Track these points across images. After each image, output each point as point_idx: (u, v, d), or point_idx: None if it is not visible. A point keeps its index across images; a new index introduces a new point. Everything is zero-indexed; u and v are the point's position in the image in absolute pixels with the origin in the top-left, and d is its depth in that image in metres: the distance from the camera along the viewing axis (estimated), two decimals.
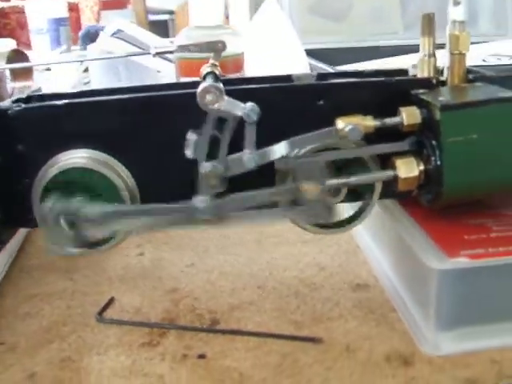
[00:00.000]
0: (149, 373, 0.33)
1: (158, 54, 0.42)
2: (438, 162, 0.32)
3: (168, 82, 0.43)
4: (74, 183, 0.35)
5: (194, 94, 0.34)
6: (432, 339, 0.33)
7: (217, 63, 0.41)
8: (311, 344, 0.34)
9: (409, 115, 0.33)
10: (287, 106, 0.36)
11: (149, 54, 0.42)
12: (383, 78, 0.37)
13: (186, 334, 0.36)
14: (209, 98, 0.33)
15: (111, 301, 0.40)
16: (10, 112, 0.35)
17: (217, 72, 0.39)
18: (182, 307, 0.39)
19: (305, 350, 0.34)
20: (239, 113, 0.33)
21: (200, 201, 0.33)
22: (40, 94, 0.40)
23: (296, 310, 0.38)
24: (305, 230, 0.37)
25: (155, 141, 0.36)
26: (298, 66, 0.67)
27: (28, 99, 0.39)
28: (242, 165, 0.33)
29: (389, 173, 0.34)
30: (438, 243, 0.33)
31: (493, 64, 0.69)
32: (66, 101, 0.35)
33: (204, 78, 0.39)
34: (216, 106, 0.33)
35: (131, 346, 0.35)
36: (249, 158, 0.33)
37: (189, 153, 0.33)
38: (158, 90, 0.39)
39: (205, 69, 0.40)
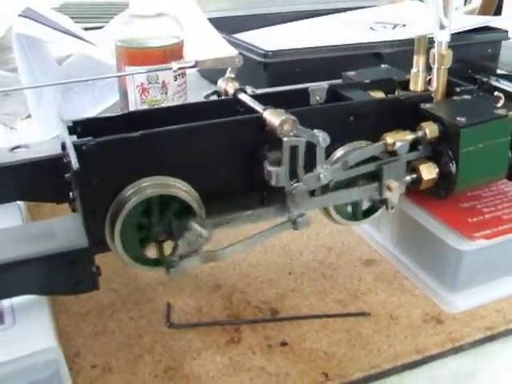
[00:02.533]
0: (251, 367, 0.39)
1: (179, 68, 0.44)
2: (454, 168, 0.42)
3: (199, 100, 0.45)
4: (150, 209, 0.38)
5: (255, 118, 0.39)
6: (451, 300, 0.43)
7: (233, 76, 0.45)
8: (363, 318, 0.43)
9: (431, 131, 0.42)
10: (327, 122, 0.41)
11: (170, 69, 0.44)
12: (399, 96, 0.45)
13: (256, 326, 0.42)
14: (286, 127, 0.38)
15: (169, 306, 0.43)
16: (84, 148, 0.36)
17: (248, 90, 0.44)
18: (236, 302, 0.44)
19: (361, 324, 0.42)
20: (314, 140, 0.38)
21: (296, 213, 0.39)
22: (80, 120, 0.41)
23: (332, 290, 0.45)
24: (333, 222, 0.44)
25: (214, 159, 0.40)
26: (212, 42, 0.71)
27: (74, 126, 0.40)
28: (319, 181, 0.39)
29: (413, 175, 0.43)
30: (453, 227, 0.43)
31: (387, 40, 0.79)
32: (141, 132, 0.37)
33: (234, 94, 0.44)
34: (291, 134, 0.38)
35: (218, 346, 0.40)
36: (325, 175, 0.39)
37: (273, 182, 0.38)
38: (202, 110, 0.42)
39: (227, 84, 0.44)
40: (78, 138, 0.38)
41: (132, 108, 0.64)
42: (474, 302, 0.44)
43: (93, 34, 0.89)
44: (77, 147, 0.36)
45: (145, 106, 0.63)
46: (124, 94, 0.64)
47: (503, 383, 0.39)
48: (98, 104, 0.72)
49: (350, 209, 0.45)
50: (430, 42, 0.47)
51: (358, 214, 0.45)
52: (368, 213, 0.45)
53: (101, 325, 0.42)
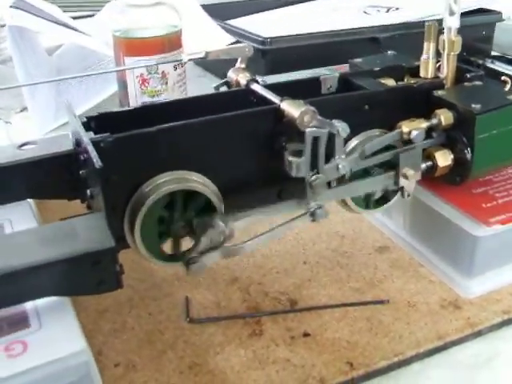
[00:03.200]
0: (276, 359, 0.39)
1: (190, 60, 0.44)
2: (469, 155, 0.42)
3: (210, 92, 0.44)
4: (170, 204, 0.38)
5: (272, 110, 0.39)
6: (467, 286, 0.43)
7: (244, 66, 0.45)
8: (381, 305, 0.43)
9: (446, 118, 0.42)
10: (342, 112, 0.41)
11: (181, 60, 0.44)
12: (412, 83, 0.45)
13: (277, 318, 0.42)
14: (306, 118, 0.37)
15: (187, 301, 0.43)
16: (102, 144, 0.36)
17: (259, 80, 0.43)
18: (254, 294, 0.44)
19: (380, 311, 0.42)
20: (334, 130, 0.38)
21: (314, 205, 0.39)
22: (94, 115, 0.40)
23: (349, 278, 0.45)
24: (348, 210, 0.44)
25: (231, 151, 0.40)
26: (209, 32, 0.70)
27: (88, 122, 0.39)
28: (337, 171, 0.39)
29: (429, 163, 0.43)
30: (468, 213, 0.43)
31: (383, 24, 0.78)
32: (157, 127, 0.37)
33: (247, 85, 0.43)
34: (311, 124, 0.37)
35: (241, 339, 0.40)
36: (343, 165, 0.39)
37: (294, 173, 0.38)
38: (215, 102, 0.41)
39: (238, 74, 0.44)
40: (94, 134, 0.38)
41: (132, 99, 0.63)
42: (489, 287, 0.44)
43: (84, 22, 0.88)
44: (95, 144, 0.36)
45: (145, 97, 0.63)
46: (123, 85, 0.63)
47: None
48: (95, 95, 0.71)
49: (364, 197, 0.45)
50: (423, 25, 0.47)
51: (372, 201, 0.45)
52: (381, 200, 0.45)
53: (120, 322, 0.42)
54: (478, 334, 0.41)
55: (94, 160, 0.33)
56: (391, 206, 0.48)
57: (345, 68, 0.56)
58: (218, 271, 0.46)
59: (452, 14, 0.44)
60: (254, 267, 0.47)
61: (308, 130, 0.37)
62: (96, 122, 0.40)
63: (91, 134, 0.37)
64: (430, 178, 0.44)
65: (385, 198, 0.45)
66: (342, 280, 0.45)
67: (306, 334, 0.40)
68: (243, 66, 0.44)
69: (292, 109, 0.38)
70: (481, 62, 0.78)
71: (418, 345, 0.39)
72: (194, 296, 0.44)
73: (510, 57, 0.83)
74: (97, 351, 0.39)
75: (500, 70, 0.77)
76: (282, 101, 0.39)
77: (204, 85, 0.67)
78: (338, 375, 0.37)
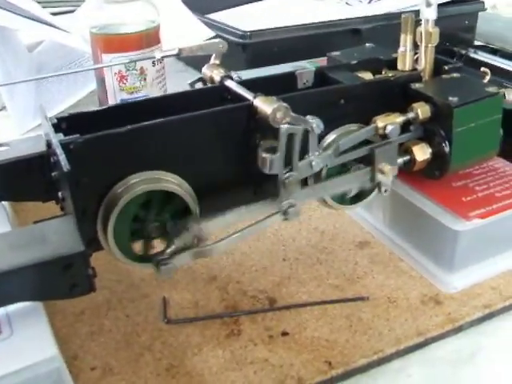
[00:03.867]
0: (254, 360, 0.38)
1: (163, 57, 0.43)
2: (447, 148, 0.41)
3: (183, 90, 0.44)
4: (143, 204, 0.37)
5: (245, 106, 0.38)
6: (448, 280, 0.43)
7: (218, 62, 0.44)
8: (361, 302, 0.42)
9: (423, 112, 0.41)
10: (318, 107, 0.41)
11: (153, 58, 0.43)
12: (389, 76, 0.44)
13: (256, 317, 0.41)
14: (279, 115, 0.37)
15: (165, 301, 0.43)
16: (71, 146, 0.35)
17: (234, 76, 0.42)
18: (233, 293, 0.43)
19: (360, 309, 0.42)
20: (307, 127, 0.37)
21: (287, 203, 0.38)
22: (65, 116, 0.39)
23: (329, 275, 0.45)
24: (326, 207, 0.44)
25: (205, 150, 0.39)
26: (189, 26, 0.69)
27: (58, 123, 0.39)
28: (311, 168, 0.38)
29: (406, 157, 0.42)
30: (447, 208, 0.43)
31: (365, 16, 0.78)
32: (129, 126, 0.36)
33: (221, 81, 0.42)
34: (284, 121, 0.37)
35: (218, 340, 0.40)
36: (317, 162, 0.38)
37: (267, 170, 0.37)
38: (189, 99, 0.41)
39: (212, 71, 0.43)
40: (64, 135, 0.37)
41: (110, 96, 0.62)
42: (470, 281, 0.44)
43: (63, 18, 0.87)
44: (64, 146, 0.35)
45: (123, 94, 0.62)
46: (101, 82, 0.62)
47: (503, 361, 0.39)
48: (75, 93, 0.70)
49: (342, 193, 0.44)
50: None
51: (349, 198, 0.44)
52: (360, 196, 0.45)
53: (97, 324, 0.41)
54: (459, 329, 0.41)
55: (62, 163, 0.33)
56: (371, 201, 0.48)
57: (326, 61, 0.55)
58: (196, 270, 0.46)
59: (429, 5, 0.44)
60: (232, 265, 0.46)
61: (283, 126, 0.37)
62: (67, 123, 0.39)
63: (61, 136, 0.36)
64: (409, 172, 0.44)
65: (363, 193, 0.44)
66: (322, 277, 0.45)
67: (284, 333, 0.40)
68: (217, 62, 0.44)
69: (265, 105, 0.37)
70: (463, 51, 0.78)
71: (397, 342, 0.39)
72: (171, 296, 0.43)
73: (492, 46, 0.82)
74: (72, 355, 0.39)
75: (482, 59, 0.77)
76: (255, 97, 0.38)
77: (185, 80, 0.66)
78: (317, 375, 0.37)
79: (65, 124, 0.39)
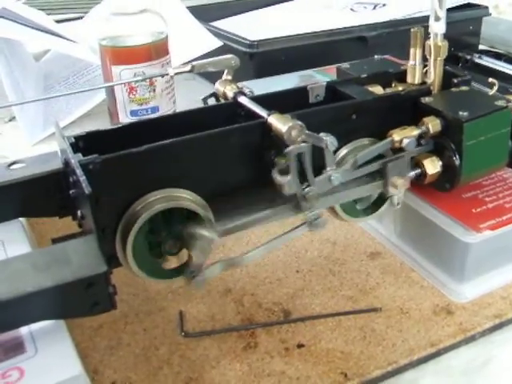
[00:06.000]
0: (271, 372, 0.39)
1: (176, 74, 0.44)
2: (458, 162, 0.42)
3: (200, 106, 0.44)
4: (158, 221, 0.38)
5: (260, 124, 0.39)
6: (459, 291, 0.44)
7: (230, 78, 0.45)
8: (374, 313, 0.43)
9: (433, 126, 0.42)
10: (330, 122, 0.41)
11: (167, 75, 0.44)
12: (399, 90, 0.45)
13: (271, 329, 0.42)
14: (294, 133, 0.37)
15: (182, 314, 0.43)
16: (91, 167, 0.36)
17: (246, 91, 0.43)
18: (248, 305, 0.44)
19: (373, 320, 0.43)
20: (322, 144, 0.38)
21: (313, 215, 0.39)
22: (82, 135, 0.40)
23: (341, 286, 0.46)
24: (337, 218, 0.45)
25: (221, 167, 0.40)
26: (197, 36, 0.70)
27: (76, 142, 0.39)
28: (330, 183, 0.39)
29: (417, 170, 0.43)
30: (458, 219, 0.43)
31: (370, 23, 0.78)
32: (146, 146, 0.37)
33: (234, 97, 0.43)
34: (299, 139, 0.38)
35: (236, 352, 0.40)
36: (336, 177, 0.39)
37: (286, 192, 0.38)
38: (203, 116, 0.42)
39: (225, 86, 0.44)
40: (83, 154, 0.38)
41: (120, 107, 0.63)
42: (481, 290, 0.44)
43: (69, 26, 0.87)
44: (84, 166, 0.36)
45: (133, 105, 0.63)
46: (111, 94, 0.63)
47: None
48: (84, 103, 0.71)
49: (354, 205, 0.45)
50: (411, 22, 0.47)
51: (362, 210, 0.45)
52: (371, 208, 0.45)
53: (115, 338, 0.42)
54: (471, 339, 0.42)
55: (83, 185, 0.33)
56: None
57: (333, 69, 0.56)
58: (211, 282, 0.46)
59: (438, 19, 0.44)
60: (247, 277, 0.47)
61: (290, 148, 0.37)
62: (84, 142, 0.40)
63: (80, 156, 0.37)
64: (420, 185, 0.44)
65: (374, 206, 0.45)
66: (335, 288, 0.45)
67: (300, 345, 0.41)
68: (229, 77, 0.44)
69: (279, 124, 0.38)
70: (468, 57, 0.78)
71: (411, 353, 0.40)
72: (188, 309, 0.44)
73: (496, 51, 0.83)
74: (93, 369, 0.39)
75: (487, 65, 0.78)
76: (269, 115, 0.39)
77: (193, 88, 0.67)
78: None
79: (82, 143, 0.40)
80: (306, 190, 0.39)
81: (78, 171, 0.35)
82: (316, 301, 0.44)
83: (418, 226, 0.46)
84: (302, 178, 0.39)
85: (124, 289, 0.46)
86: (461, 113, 0.41)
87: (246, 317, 0.43)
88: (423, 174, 0.43)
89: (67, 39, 0.77)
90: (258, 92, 0.46)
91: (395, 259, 0.48)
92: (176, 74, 0.44)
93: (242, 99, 0.43)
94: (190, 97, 0.69)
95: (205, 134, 0.38)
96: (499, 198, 0.46)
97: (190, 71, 0.44)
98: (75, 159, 0.36)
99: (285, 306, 0.44)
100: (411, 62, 0.46)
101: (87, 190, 0.33)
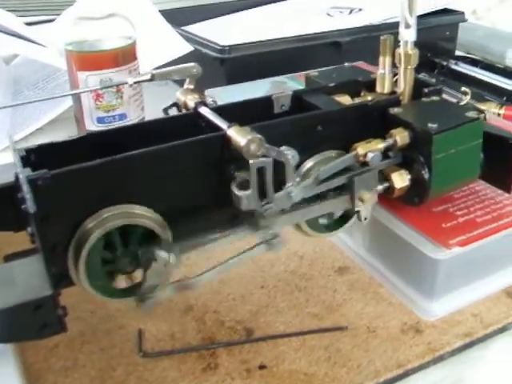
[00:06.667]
0: None
1: (135, 83, 0.42)
2: (427, 175, 0.41)
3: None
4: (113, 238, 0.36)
5: (219, 137, 0.37)
6: (429, 308, 0.43)
7: (192, 87, 0.43)
8: (340, 332, 0.42)
9: (401, 138, 0.40)
10: (294, 133, 0.40)
11: (126, 83, 0.42)
12: (367, 101, 0.43)
13: (233, 349, 0.40)
14: (253, 147, 0.36)
15: (140, 333, 0.42)
16: (39, 182, 0.34)
17: (209, 100, 0.42)
18: (210, 324, 0.42)
19: (339, 339, 0.41)
20: (283, 158, 0.36)
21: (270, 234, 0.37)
22: (34, 148, 0.38)
23: (307, 303, 0.44)
24: (303, 234, 0.43)
25: (178, 181, 0.38)
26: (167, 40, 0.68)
27: (27, 155, 0.37)
28: (290, 200, 0.38)
29: (385, 184, 0.41)
30: (427, 235, 0.42)
31: (345, 28, 0.77)
32: (99, 160, 0.35)
33: (195, 108, 0.42)
34: (259, 153, 0.36)
35: (195, 374, 0.39)
36: (296, 193, 0.37)
37: (243, 207, 0.36)
38: (163, 127, 0.40)
39: (186, 96, 0.42)
40: (33, 168, 0.36)
41: (87, 114, 0.61)
42: (451, 308, 0.43)
43: (40, 29, 0.85)
44: (32, 182, 0.34)
45: (100, 112, 0.61)
46: (78, 100, 0.61)
47: None
48: (52, 110, 0.69)
49: (321, 220, 0.43)
50: (386, 28, 0.46)
51: (327, 225, 0.44)
52: (338, 223, 0.44)
53: (71, 359, 0.40)
54: (440, 359, 0.40)
55: (28, 204, 0.32)
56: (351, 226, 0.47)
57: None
58: (173, 299, 0.44)
59: (408, 26, 0.43)
60: (210, 293, 0.45)
61: (252, 161, 0.36)
62: (36, 155, 0.38)
63: (28, 171, 0.35)
64: (389, 199, 0.43)
65: (343, 220, 0.44)
66: (300, 305, 0.44)
67: (262, 367, 0.39)
68: (191, 86, 0.43)
69: (238, 137, 0.36)
70: (445, 63, 0.77)
71: (377, 374, 0.38)
72: (147, 327, 0.42)
73: (473, 57, 0.82)
74: None
75: (463, 71, 0.77)
76: (229, 127, 0.37)
77: (165, 94, 0.65)
78: None
79: (34, 156, 0.38)
80: (265, 206, 0.37)
81: (25, 187, 0.33)
82: (280, 319, 0.43)
83: (386, 241, 0.45)
84: (263, 194, 0.37)
85: (82, 306, 0.44)
86: (430, 124, 0.40)
87: (208, 336, 0.42)
88: (391, 188, 0.42)
89: (36, 43, 0.75)
90: (228, 99, 0.44)
91: (364, 274, 0.47)
92: (135, 83, 0.42)
93: (203, 110, 0.41)
94: (160, 103, 0.67)
95: (162, 147, 0.37)
96: (470, 211, 0.44)
97: (150, 80, 0.42)
98: (23, 174, 0.34)
99: (248, 325, 0.42)
100: (380, 71, 0.45)
101: (32, 209, 0.31)
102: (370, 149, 0.40)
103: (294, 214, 0.40)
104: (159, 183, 0.37)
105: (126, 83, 0.42)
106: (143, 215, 0.37)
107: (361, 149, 0.40)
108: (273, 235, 0.38)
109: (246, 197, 0.36)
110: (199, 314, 0.43)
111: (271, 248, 0.38)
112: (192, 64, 0.43)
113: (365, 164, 0.40)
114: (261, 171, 0.36)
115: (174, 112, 0.44)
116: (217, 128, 0.38)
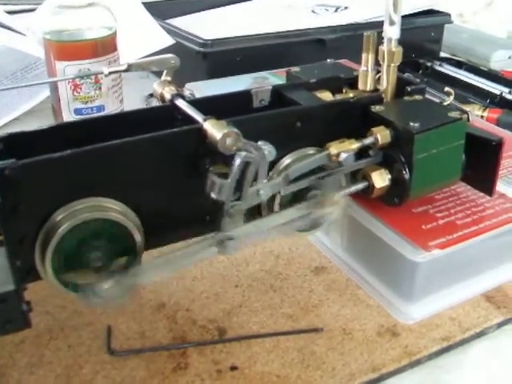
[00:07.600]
0: None
1: (111, 73, 0.41)
2: (407, 175, 0.40)
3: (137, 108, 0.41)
4: (86, 232, 0.35)
5: (194, 130, 0.36)
6: (406, 311, 0.42)
7: (169, 79, 0.42)
8: (315, 334, 0.41)
9: (382, 137, 0.39)
10: (272, 129, 0.39)
11: (101, 73, 0.41)
12: (348, 98, 0.42)
13: (204, 349, 0.39)
14: (229, 141, 0.35)
15: (110, 330, 0.40)
16: (7, 172, 0.33)
17: (186, 93, 0.40)
18: (181, 322, 0.41)
19: (314, 341, 0.40)
20: (259, 154, 0.35)
21: (224, 235, 0.36)
22: (3, 136, 0.37)
23: (282, 303, 0.43)
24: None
25: (152, 175, 0.37)
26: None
27: None
28: (258, 197, 0.37)
29: (364, 183, 0.41)
30: (406, 237, 0.41)
31: (329, 26, 0.76)
32: (70, 151, 0.34)
33: (171, 100, 0.40)
34: (234, 148, 0.35)
35: (164, 374, 0.38)
36: (265, 191, 0.36)
37: (215, 194, 0.35)
38: (139, 119, 0.39)
39: (163, 88, 0.41)
40: (1, 158, 0.34)
41: (64, 105, 0.60)
42: (429, 311, 0.42)
43: (22, 18, 0.83)
44: None
45: (77, 103, 0.59)
46: (55, 91, 0.60)
47: None
48: (29, 100, 0.67)
49: None
50: (372, 26, 0.45)
51: None
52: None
53: (37, 355, 0.39)
54: (417, 363, 0.39)
55: None
56: (329, 224, 0.46)
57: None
58: (144, 295, 0.43)
59: (392, 23, 0.42)
60: (182, 291, 0.44)
61: (240, 153, 0.35)
62: (6, 144, 0.37)
63: None
64: (368, 198, 0.42)
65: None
66: (275, 305, 0.43)
67: (233, 368, 0.38)
68: (169, 78, 0.41)
69: (214, 130, 0.35)
70: (429, 64, 0.77)
71: (351, 378, 0.37)
72: (117, 325, 0.41)
73: (457, 59, 0.82)
74: None
75: (447, 73, 0.76)
76: (205, 120, 0.36)
77: (145, 87, 0.64)
78: None
79: (2, 145, 0.37)
80: (233, 203, 0.36)
81: None
82: (254, 319, 0.42)
83: (365, 242, 0.44)
84: (238, 189, 0.36)
85: (51, 300, 0.43)
86: (412, 124, 0.39)
87: (179, 334, 0.40)
88: (371, 187, 0.41)
89: (16, 31, 0.73)
90: (209, 93, 0.43)
91: (341, 275, 0.46)
92: (110, 72, 0.41)
93: (179, 102, 0.40)
94: (140, 96, 0.66)
95: (135, 139, 0.35)
96: (451, 213, 0.43)
97: (126, 71, 0.41)
98: None
99: (220, 324, 0.41)
100: (363, 68, 0.44)
101: None
102: (343, 149, 0.39)
103: (260, 221, 0.38)
104: (131, 177, 0.36)
105: (102, 73, 0.40)
106: (116, 210, 0.35)
107: (333, 148, 0.39)
108: (226, 237, 0.36)
109: (221, 184, 0.35)
110: (171, 312, 0.42)
111: (223, 250, 0.37)
112: (170, 55, 0.42)
113: (340, 164, 0.40)
114: (244, 166, 0.35)
115: (156, 103, 0.42)
116: (193, 121, 0.37)
